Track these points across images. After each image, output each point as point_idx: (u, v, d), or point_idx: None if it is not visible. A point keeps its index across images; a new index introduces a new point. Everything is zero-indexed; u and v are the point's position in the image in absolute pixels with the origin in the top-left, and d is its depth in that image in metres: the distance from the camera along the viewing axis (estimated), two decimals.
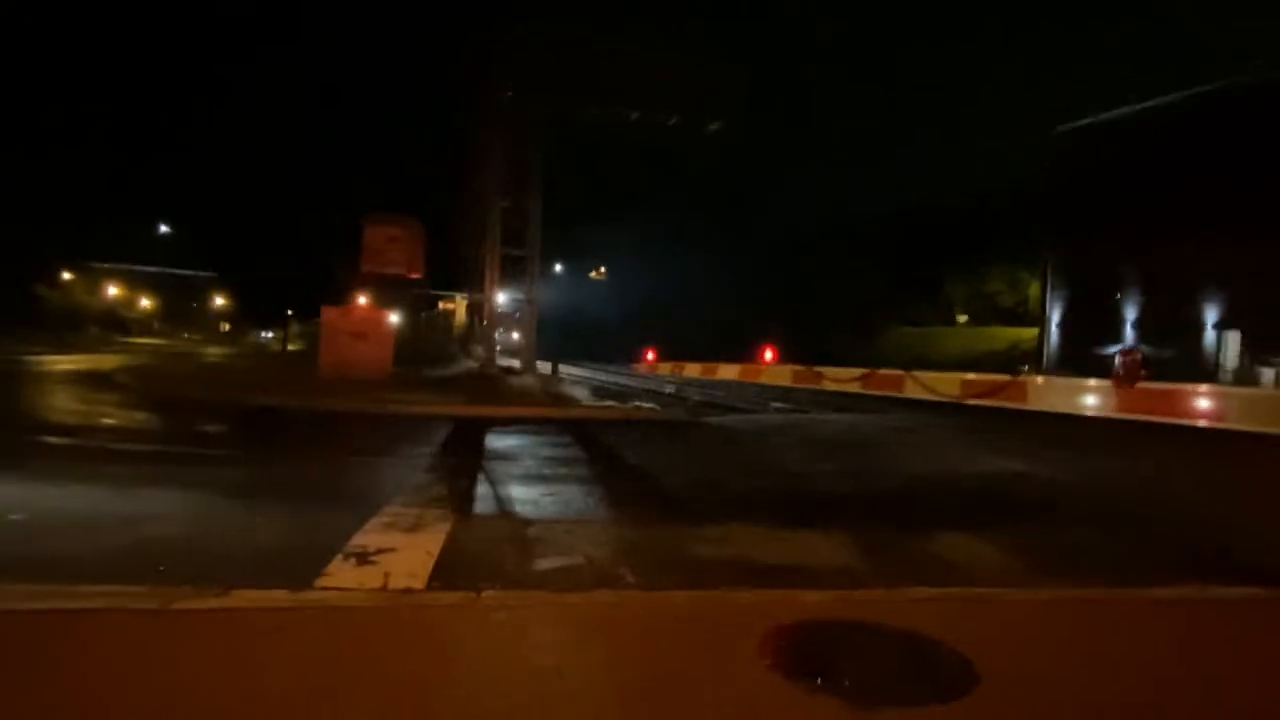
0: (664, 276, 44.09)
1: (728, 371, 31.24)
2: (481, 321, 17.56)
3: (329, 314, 21.09)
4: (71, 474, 6.24)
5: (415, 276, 24.51)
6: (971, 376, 20.43)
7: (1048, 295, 35.57)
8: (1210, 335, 28.18)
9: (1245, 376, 24.72)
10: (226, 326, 49.95)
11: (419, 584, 3.62)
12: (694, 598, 3.50)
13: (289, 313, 39.84)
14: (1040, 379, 20.17)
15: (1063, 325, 34.48)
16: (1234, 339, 27.44)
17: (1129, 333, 30.49)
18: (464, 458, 7.91)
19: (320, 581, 3.61)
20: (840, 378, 23.89)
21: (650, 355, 39.52)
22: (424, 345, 20.76)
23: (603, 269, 34.68)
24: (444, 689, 2.49)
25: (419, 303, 25.46)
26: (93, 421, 10.28)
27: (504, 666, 2.68)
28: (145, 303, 41.84)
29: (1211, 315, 28.20)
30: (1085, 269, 32.84)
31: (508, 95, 17.15)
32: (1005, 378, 19.42)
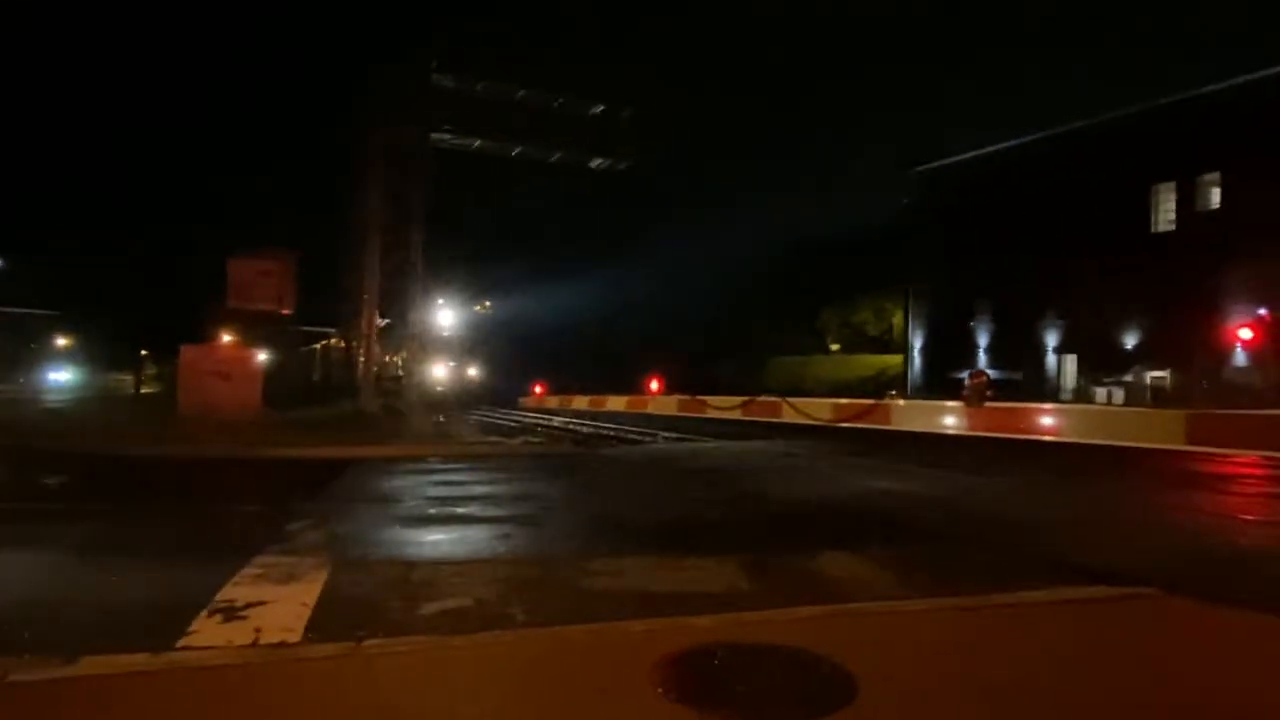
0: (551, 310, 44.04)
1: (616, 403, 31.44)
2: (364, 358, 16.92)
3: (189, 353, 19.83)
4: None
5: (286, 313, 23.37)
6: (842, 401, 21.54)
7: (910, 324, 38.06)
8: (1051, 359, 30.95)
9: (1082, 395, 27.27)
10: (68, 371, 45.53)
11: (294, 637, 3.43)
12: (586, 631, 3.49)
13: (143, 353, 36.94)
14: (902, 402, 21.53)
15: (924, 351, 36.92)
16: (1072, 362, 30.24)
17: (981, 357, 32.96)
18: (340, 502, 7.56)
19: (184, 641, 3.35)
20: (723, 405, 24.54)
21: (539, 389, 39.23)
22: (302, 384, 19.73)
23: (487, 303, 34.17)
24: None
25: (293, 340, 24.23)
26: None
27: (390, 718, 2.58)
28: None
29: (1053, 341, 31.01)
30: (944, 299, 35.40)
31: (391, 121, 16.88)
32: (871, 402, 20.60)
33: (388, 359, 16.89)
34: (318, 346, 24.43)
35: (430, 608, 3.97)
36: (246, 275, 22.88)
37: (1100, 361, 27.99)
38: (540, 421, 22.32)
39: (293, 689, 2.80)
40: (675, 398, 28.22)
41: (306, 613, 3.76)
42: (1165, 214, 27.91)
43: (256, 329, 22.01)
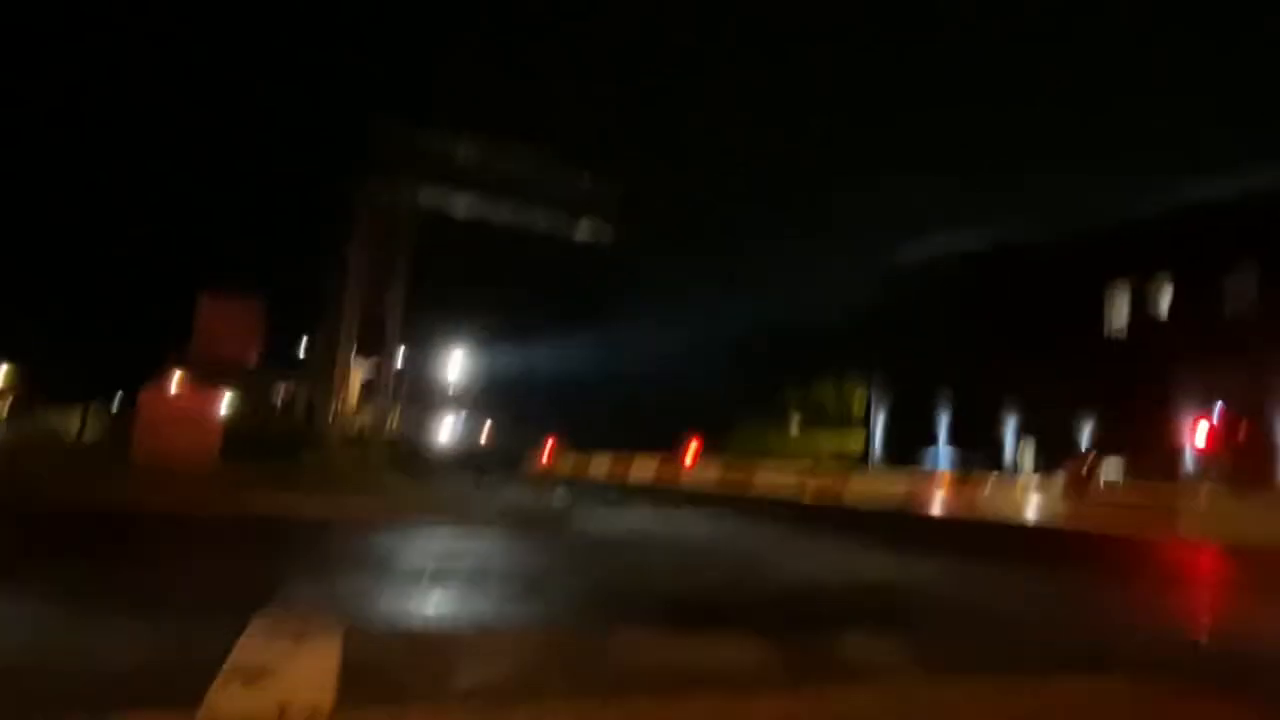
0: (528, 370, 42.90)
1: (641, 471, 25.22)
2: (333, 409, 16.51)
3: (146, 398, 19.17)
4: None
5: (252, 358, 22.88)
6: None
7: (871, 404, 39.32)
8: (1010, 445, 32.16)
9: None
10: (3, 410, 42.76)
11: (326, 705, 3.22)
12: (647, 707, 3.36)
13: (88, 398, 35.18)
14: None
15: (886, 430, 37.97)
16: (1031, 446, 31.61)
17: (941, 438, 33.83)
18: (325, 559, 7.28)
19: (204, 712, 3.11)
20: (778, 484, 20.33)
21: (546, 455, 32.44)
22: (265, 434, 19.11)
23: (477, 356, 32.52)
24: None
25: (257, 387, 23.56)
26: None
27: None
28: None
29: (1012, 429, 32.29)
30: (905, 385, 36.78)
31: (379, 174, 17.00)
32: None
33: (361, 411, 16.54)
34: (282, 394, 23.77)
35: (458, 679, 3.80)
36: (213, 319, 22.36)
37: (1058, 449, 29.04)
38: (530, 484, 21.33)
39: None
40: (715, 469, 23.15)
41: (331, 677, 3.55)
42: (1117, 318, 30.22)
43: (219, 375, 21.40)
